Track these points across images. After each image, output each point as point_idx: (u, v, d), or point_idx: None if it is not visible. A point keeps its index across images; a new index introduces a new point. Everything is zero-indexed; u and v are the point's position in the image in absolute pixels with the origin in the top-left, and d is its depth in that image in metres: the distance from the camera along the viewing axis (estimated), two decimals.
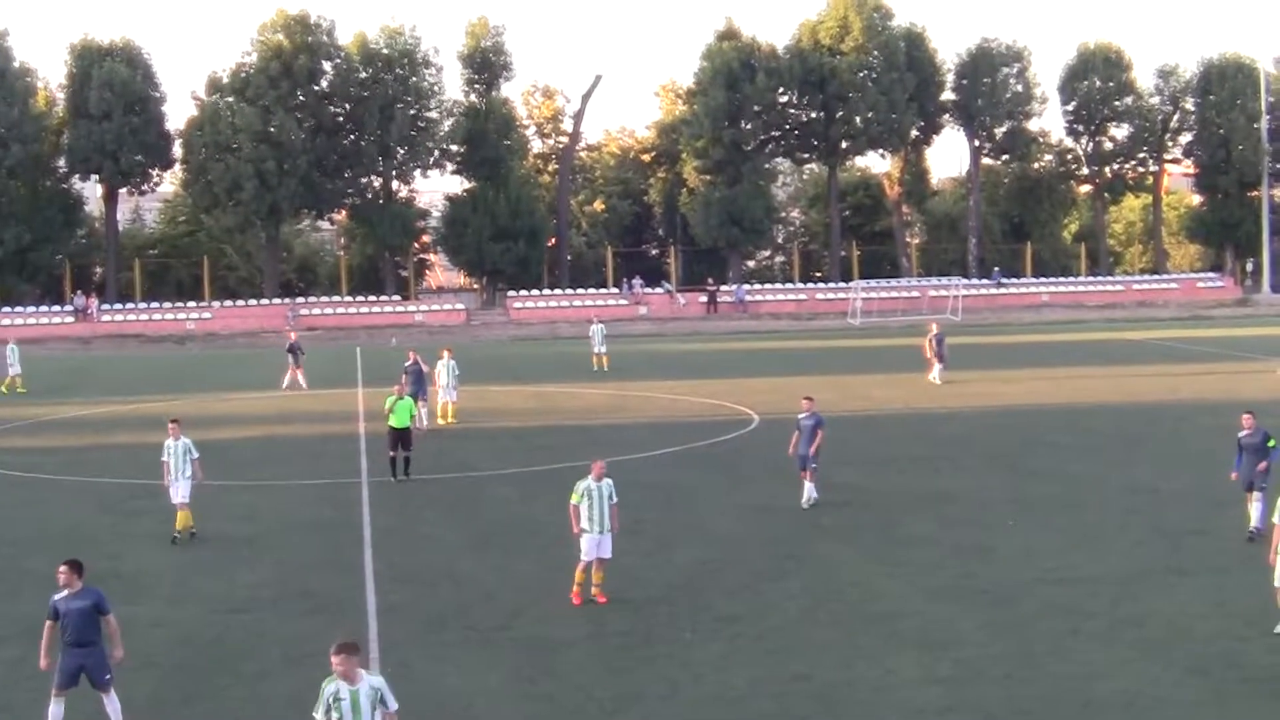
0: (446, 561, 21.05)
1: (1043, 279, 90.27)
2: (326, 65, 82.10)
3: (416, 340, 72.70)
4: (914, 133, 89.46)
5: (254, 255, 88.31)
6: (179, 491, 23.01)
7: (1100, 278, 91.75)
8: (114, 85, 78.14)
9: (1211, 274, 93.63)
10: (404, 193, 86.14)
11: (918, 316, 78.97)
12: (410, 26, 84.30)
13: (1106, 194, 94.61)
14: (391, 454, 28.18)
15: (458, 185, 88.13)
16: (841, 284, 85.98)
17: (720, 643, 16.51)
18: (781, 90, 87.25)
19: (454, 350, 38.56)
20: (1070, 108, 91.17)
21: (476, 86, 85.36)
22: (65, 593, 13.70)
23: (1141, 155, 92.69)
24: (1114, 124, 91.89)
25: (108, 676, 13.71)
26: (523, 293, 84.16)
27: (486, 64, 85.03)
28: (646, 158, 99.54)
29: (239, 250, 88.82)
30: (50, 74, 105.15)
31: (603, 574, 18.36)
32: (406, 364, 35.50)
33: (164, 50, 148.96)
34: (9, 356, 48.53)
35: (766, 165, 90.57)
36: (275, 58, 79.43)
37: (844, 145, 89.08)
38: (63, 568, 13.75)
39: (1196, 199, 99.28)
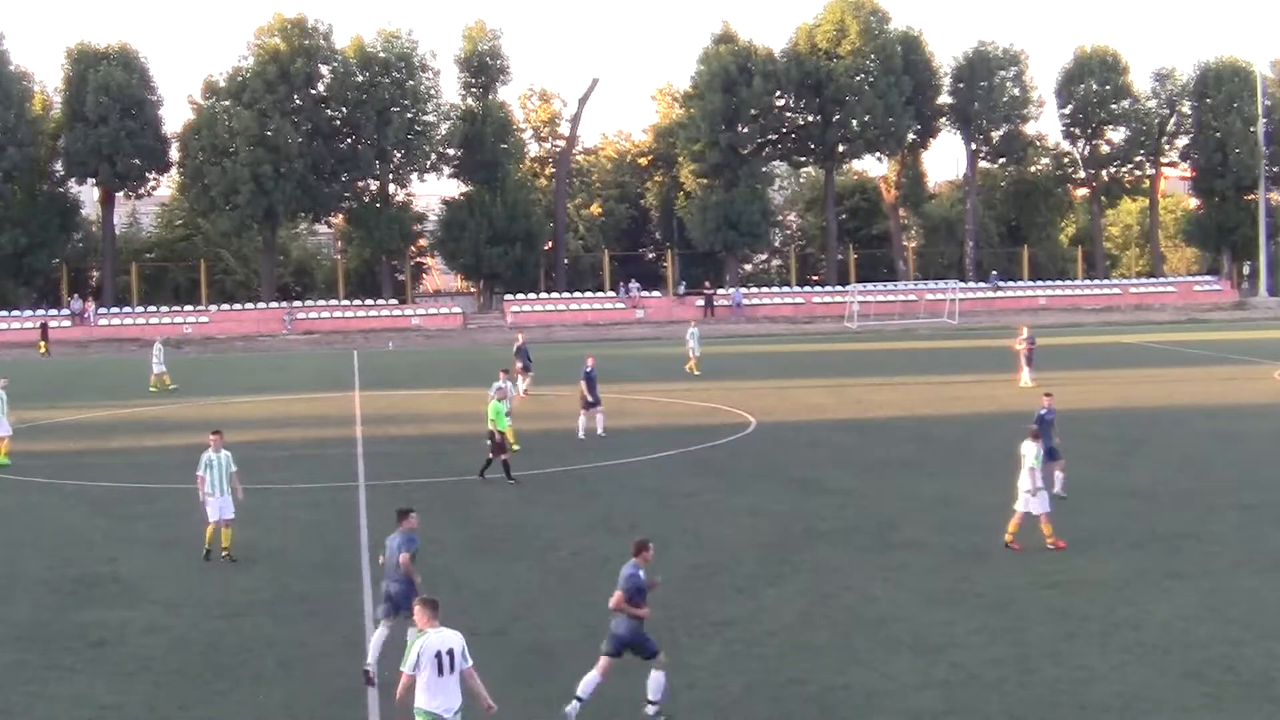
0: (444, 565, 21.01)
1: (1040, 282, 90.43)
2: (323, 69, 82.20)
3: (413, 344, 72.84)
4: (911, 136, 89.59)
5: (251, 259, 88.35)
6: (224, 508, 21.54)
7: (1097, 281, 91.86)
8: (111, 89, 78.18)
9: (1208, 277, 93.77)
10: (401, 196, 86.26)
11: (914, 320, 79.14)
12: (407, 30, 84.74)
13: (1103, 197, 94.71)
14: (492, 457, 28.21)
15: (454, 189, 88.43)
16: (838, 287, 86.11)
17: (716, 647, 16.52)
18: (778, 94, 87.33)
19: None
20: (1067, 111, 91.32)
21: (473, 90, 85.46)
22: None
23: (1138, 158, 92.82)
24: (1111, 127, 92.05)
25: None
26: (519, 296, 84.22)
27: (483, 67, 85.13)
28: (643, 161, 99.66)
29: (236, 254, 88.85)
30: (47, 78, 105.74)
31: (1050, 526, 21.07)
32: (586, 369, 34.56)
33: (161, 54, 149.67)
34: (155, 355, 49.15)
35: (763, 169, 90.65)
36: (272, 61, 79.49)
37: (841, 149, 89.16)
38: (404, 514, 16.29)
39: (1193, 202, 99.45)
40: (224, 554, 21.30)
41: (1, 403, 31.94)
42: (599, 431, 34.13)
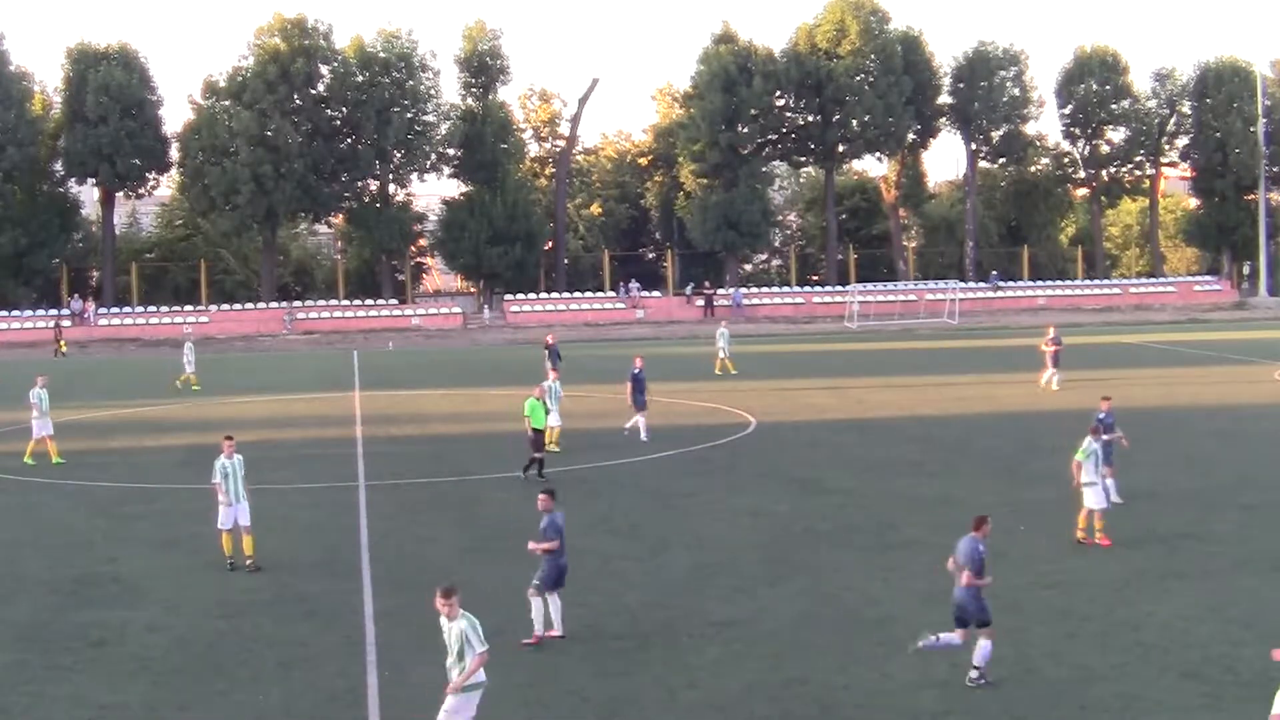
0: (443, 565, 21.02)
1: (1040, 282, 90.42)
2: (323, 69, 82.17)
3: (413, 344, 72.84)
4: (911, 136, 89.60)
5: (251, 259, 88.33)
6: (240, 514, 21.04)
7: (1097, 281, 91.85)
8: (111, 89, 78.19)
9: (1208, 277, 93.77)
10: (401, 196, 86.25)
11: (914, 320, 79.12)
12: (407, 30, 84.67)
13: (1103, 197, 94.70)
14: (538, 455, 28.14)
15: (454, 189, 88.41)
16: (838, 287, 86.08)
17: (716, 647, 16.51)
18: (778, 94, 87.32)
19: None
20: (1067, 111, 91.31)
21: (473, 90, 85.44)
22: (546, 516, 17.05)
23: (1138, 158, 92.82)
24: (1111, 127, 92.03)
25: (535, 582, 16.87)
26: (519, 296, 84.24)
27: (484, 67, 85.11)
28: (643, 161, 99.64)
29: (236, 254, 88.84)
30: (47, 78, 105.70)
31: (1102, 521, 21.31)
32: (635, 370, 34.02)
33: (161, 54, 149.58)
34: (186, 354, 49.46)
35: (763, 169, 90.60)
36: (272, 61, 79.48)
37: (841, 149, 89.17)
38: (542, 496, 17.25)
39: (1193, 202, 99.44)
40: (247, 563, 20.85)
41: (42, 401, 31.97)
42: (644, 437, 33.51)
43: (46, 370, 39.33)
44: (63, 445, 32.62)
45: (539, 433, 28.56)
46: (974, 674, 14.90)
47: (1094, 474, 21.47)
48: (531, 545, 17.02)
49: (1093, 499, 21.35)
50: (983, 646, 14.94)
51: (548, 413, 30.00)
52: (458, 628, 12.68)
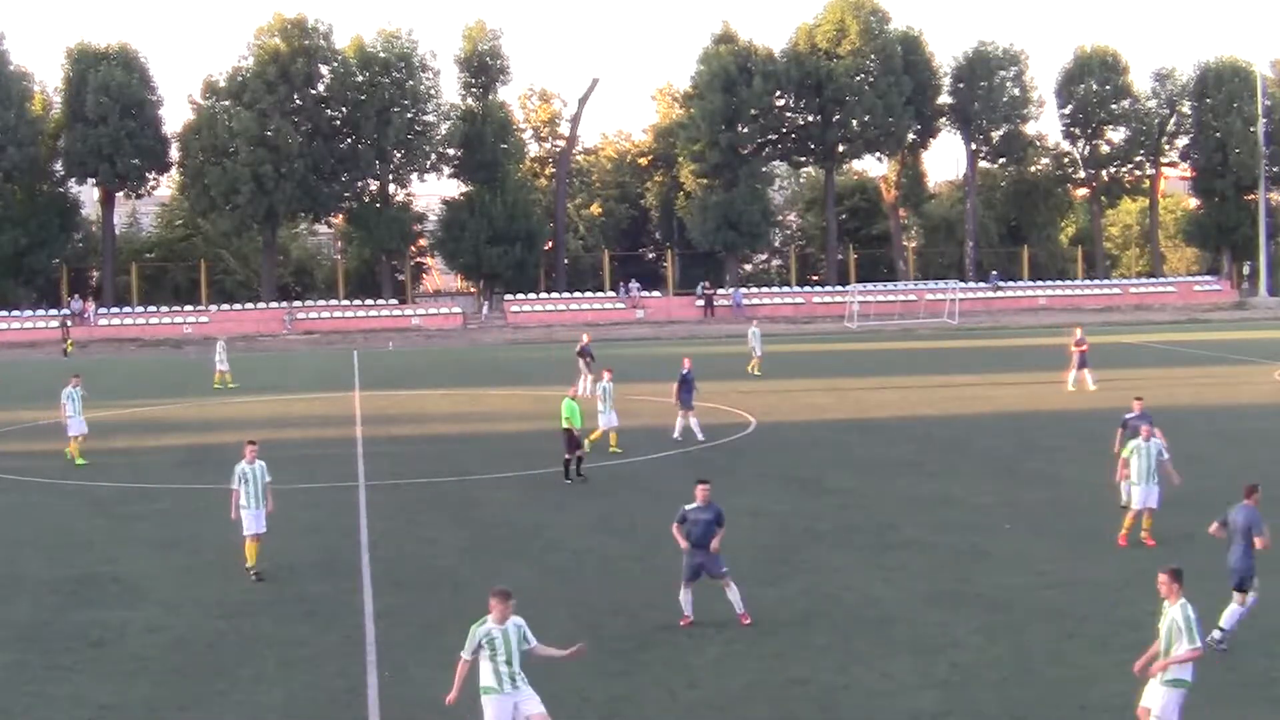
0: (444, 565, 21.05)
1: (1040, 282, 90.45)
2: (323, 69, 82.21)
3: (413, 344, 72.83)
4: (911, 136, 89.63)
5: (251, 259, 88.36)
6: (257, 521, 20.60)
7: (1097, 281, 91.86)
8: (111, 89, 78.21)
9: (1208, 277, 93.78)
10: (401, 196, 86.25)
11: (914, 320, 79.11)
12: (407, 30, 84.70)
13: (1103, 197, 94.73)
14: (569, 456, 28.08)
15: (454, 189, 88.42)
16: (838, 287, 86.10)
17: (716, 647, 16.52)
18: (778, 94, 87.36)
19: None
20: (1067, 111, 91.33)
21: (473, 90, 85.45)
22: (694, 505, 17.56)
23: (1138, 158, 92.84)
24: (1111, 127, 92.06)
25: (724, 570, 17.42)
26: (519, 296, 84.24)
27: (484, 67, 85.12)
28: (643, 161, 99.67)
29: (236, 254, 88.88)
30: (47, 77, 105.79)
31: (1150, 521, 21.17)
32: (684, 371, 33.88)
33: (161, 54, 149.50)
34: (219, 353, 50.07)
35: (763, 169, 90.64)
36: (272, 62, 79.52)
37: (841, 149, 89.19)
38: (701, 486, 17.78)
39: (1193, 202, 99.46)
40: (247, 566, 20.56)
41: (74, 401, 31.98)
42: (677, 435, 33.38)
43: (59, 369, 39.33)
44: (62, 445, 32.63)
45: (576, 431, 28.43)
46: (1217, 635, 15.56)
47: (1137, 473, 21.28)
48: (714, 545, 17.39)
49: (1133, 497, 21.39)
50: (1232, 611, 15.83)
51: (581, 417, 29.95)
52: (514, 627, 12.77)
